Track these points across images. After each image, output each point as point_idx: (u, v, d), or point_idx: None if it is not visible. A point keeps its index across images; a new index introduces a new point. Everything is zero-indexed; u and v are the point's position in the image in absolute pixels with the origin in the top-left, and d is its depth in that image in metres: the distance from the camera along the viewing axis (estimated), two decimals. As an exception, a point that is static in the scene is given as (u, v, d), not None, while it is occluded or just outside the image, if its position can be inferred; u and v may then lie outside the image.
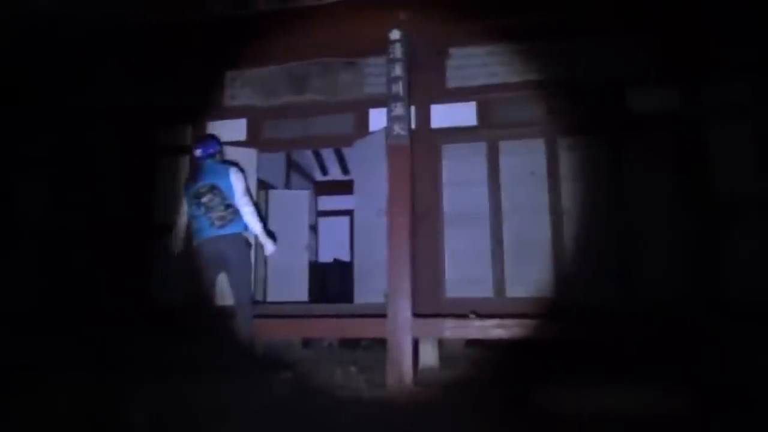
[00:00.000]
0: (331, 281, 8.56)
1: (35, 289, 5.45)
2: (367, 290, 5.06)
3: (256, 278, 5.98)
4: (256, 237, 4.38)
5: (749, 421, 3.02)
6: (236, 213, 4.18)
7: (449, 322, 4.21)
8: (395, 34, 4.41)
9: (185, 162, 5.47)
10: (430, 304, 4.72)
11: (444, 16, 4.56)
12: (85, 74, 5.51)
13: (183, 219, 4.39)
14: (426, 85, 5.01)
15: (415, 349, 4.19)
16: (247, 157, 5.29)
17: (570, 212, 4.65)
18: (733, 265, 4.25)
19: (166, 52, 5.20)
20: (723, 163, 4.39)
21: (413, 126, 4.81)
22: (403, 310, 4.15)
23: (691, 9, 4.49)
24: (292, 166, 9.44)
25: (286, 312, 4.92)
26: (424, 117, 5.03)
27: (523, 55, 4.93)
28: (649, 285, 4.38)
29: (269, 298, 6.89)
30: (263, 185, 7.13)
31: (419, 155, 4.83)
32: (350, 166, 9.89)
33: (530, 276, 4.63)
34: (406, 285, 4.19)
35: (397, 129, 4.36)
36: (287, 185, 8.92)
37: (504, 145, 4.89)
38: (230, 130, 5.43)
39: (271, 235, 4.42)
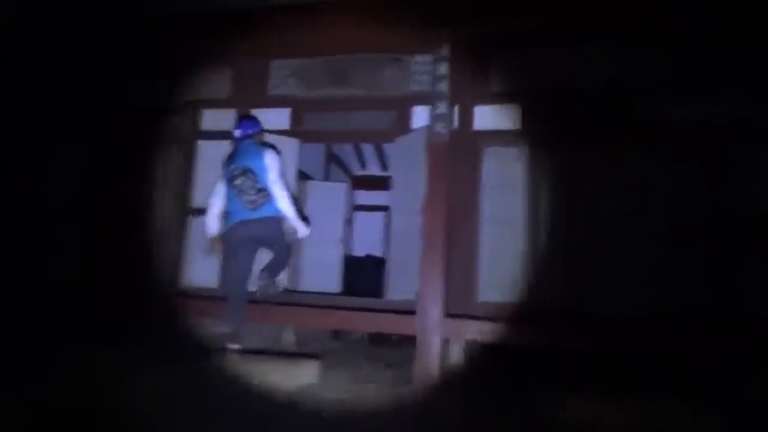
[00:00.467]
0: (363, 276, 8.59)
1: (69, 268, 5.57)
2: (399, 287, 5.07)
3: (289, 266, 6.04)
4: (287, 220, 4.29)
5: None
6: (268, 197, 4.12)
7: (480, 325, 4.17)
8: (443, 34, 4.38)
9: (228, 146, 5.56)
10: (461, 305, 4.69)
11: (492, 18, 4.50)
12: (129, 58, 5.63)
13: (217, 200, 4.34)
14: (471, 86, 4.97)
15: (443, 350, 4.17)
16: (289, 146, 5.35)
17: (603, 220, 4.56)
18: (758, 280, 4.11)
19: (211, 39, 5.27)
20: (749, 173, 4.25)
21: (455, 126, 4.78)
22: (433, 309, 4.13)
23: (709, 12, 4.32)
24: (331, 158, 9.51)
25: (317, 302, 4.96)
26: (467, 118, 5.00)
27: (563, 60, 4.84)
28: (670, 297, 4.27)
29: (301, 288, 6.97)
30: (302, 176, 7.21)
31: (460, 156, 4.80)
32: (389, 162, 9.90)
33: (566, 284, 4.55)
34: (438, 284, 4.17)
35: (439, 128, 4.33)
36: (326, 177, 9.00)
37: (545, 149, 4.80)
38: (273, 118, 5.49)
39: (303, 219, 4.37)
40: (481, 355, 4.38)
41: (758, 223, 4.23)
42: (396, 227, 5.37)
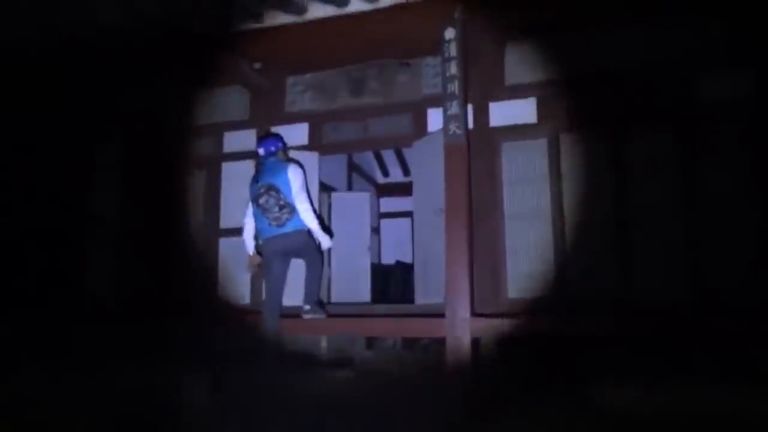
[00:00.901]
0: (394, 283, 8.60)
1: (113, 287, 5.82)
2: (428, 291, 5.07)
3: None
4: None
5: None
6: (291, 212, 4.21)
7: (509, 321, 4.15)
8: (450, 33, 4.40)
9: (250, 166, 5.68)
10: (491, 303, 4.67)
11: (499, 10, 4.50)
12: (152, 83, 5.80)
13: (249, 220, 4.47)
14: (484, 83, 4.98)
15: (476, 348, 4.15)
16: (310, 161, 5.42)
17: (636, 207, 4.48)
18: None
19: (227, 61, 5.40)
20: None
21: (471, 125, 4.78)
22: (461, 309, 4.11)
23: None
24: (353, 168, 9.58)
25: (347, 312, 5.01)
26: (483, 115, 4.99)
27: (583, 45, 4.79)
28: (719, 284, 4.17)
29: (333, 299, 7.02)
30: (325, 188, 7.28)
31: (478, 154, 4.79)
32: (410, 166, 9.92)
33: (594, 273, 4.49)
34: (464, 284, 4.16)
35: (453, 128, 4.34)
36: (349, 188, 9.06)
37: (565, 139, 4.77)
38: (292, 134, 5.58)
39: (327, 231, 4.45)
40: (513, 352, 4.35)
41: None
42: (419, 231, 5.38)
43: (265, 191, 4.24)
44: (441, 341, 4.23)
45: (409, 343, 5.60)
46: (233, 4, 4.78)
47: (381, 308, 5.15)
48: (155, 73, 5.59)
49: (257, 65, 5.57)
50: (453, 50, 4.38)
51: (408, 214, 9.83)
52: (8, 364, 4.18)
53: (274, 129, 5.64)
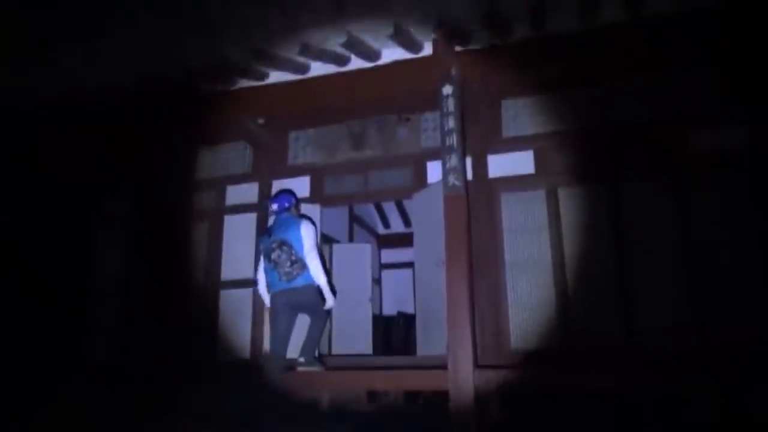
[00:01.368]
0: (396, 334, 8.53)
1: (113, 339, 5.78)
2: (430, 342, 5.03)
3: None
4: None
5: None
6: (302, 268, 4.31)
7: (513, 373, 4.10)
8: (447, 89, 4.54)
9: (252, 219, 5.74)
10: (494, 354, 4.62)
11: (495, 68, 4.66)
12: (157, 139, 5.94)
13: (261, 273, 4.56)
14: (482, 135, 5.08)
15: (480, 402, 4.08)
16: (312, 213, 5.48)
17: (636, 255, 4.51)
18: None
19: (231, 117, 5.55)
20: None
21: (470, 176, 4.86)
22: (464, 361, 4.08)
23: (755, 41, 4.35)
24: (354, 219, 9.64)
25: (348, 364, 4.95)
26: (482, 167, 5.08)
27: (579, 100, 4.94)
28: (722, 333, 4.15)
29: (334, 351, 6.94)
30: (327, 240, 7.32)
31: (478, 205, 4.86)
32: (411, 218, 9.99)
33: (596, 321, 4.47)
34: (467, 335, 4.14)
35: (453, 180, 4.42)
36: (350, 239, 9.10)
37: (564, 189, 4.84)
38: (294, 187, 5.61)
39: (333, 290, 4.54)
40: (516, 404, 4.28)
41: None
42: (421, 282, 5.38)
43: (278, 246, 4.33)
44: (444, 394, 4.17)
45: (411, 396, 5.50)
46: (238, 64, 4.95)
47: (382, 360, 5.10)
48: (160, 130, 5.71)
49: (260, 120, 5.71)
50: (451, 105, 4.51)
51: (409, 264, 9.83)
52: (7, 413, 4.12)
53: (277, 182, 5.75)
